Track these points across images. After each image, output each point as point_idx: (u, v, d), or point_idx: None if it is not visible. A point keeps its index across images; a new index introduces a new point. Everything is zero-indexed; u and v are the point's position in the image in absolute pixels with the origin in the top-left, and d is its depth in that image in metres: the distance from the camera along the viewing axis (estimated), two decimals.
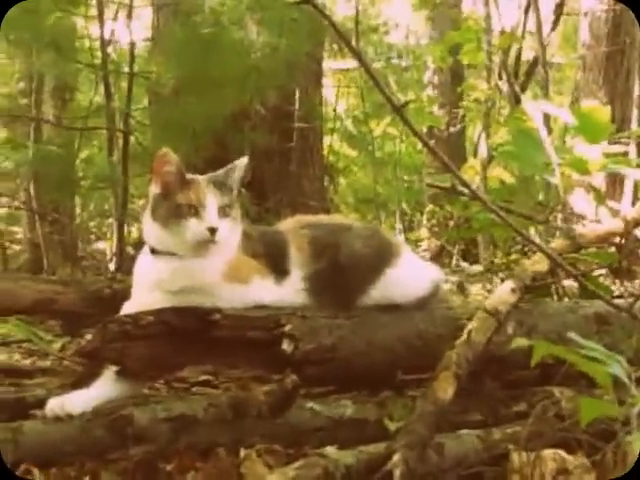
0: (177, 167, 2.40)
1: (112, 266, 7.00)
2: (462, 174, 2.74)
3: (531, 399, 2.59)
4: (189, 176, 2.43)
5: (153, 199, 2.46)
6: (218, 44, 4.25)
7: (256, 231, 2.57)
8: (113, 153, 5.75)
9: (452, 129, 10.17)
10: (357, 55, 2.30)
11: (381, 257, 2.58)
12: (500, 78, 8.82)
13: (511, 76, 9.06)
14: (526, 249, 8.58)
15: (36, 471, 2.06)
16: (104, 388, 2.36)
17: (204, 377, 3.08)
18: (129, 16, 5.38)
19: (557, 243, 2.96)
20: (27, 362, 3.51)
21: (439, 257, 8.34)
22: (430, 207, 9.84)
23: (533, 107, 3.61)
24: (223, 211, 2.37)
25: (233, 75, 4.33)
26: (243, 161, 2.50)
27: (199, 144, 4.13)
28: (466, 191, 2.84)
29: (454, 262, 7.58)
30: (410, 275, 2.63)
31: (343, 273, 2.52)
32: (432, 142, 9.91)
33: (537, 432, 2.37)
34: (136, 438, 2.24)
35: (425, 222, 9.74)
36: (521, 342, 1.57)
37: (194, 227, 2.34)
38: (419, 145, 10.63)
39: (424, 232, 9.73)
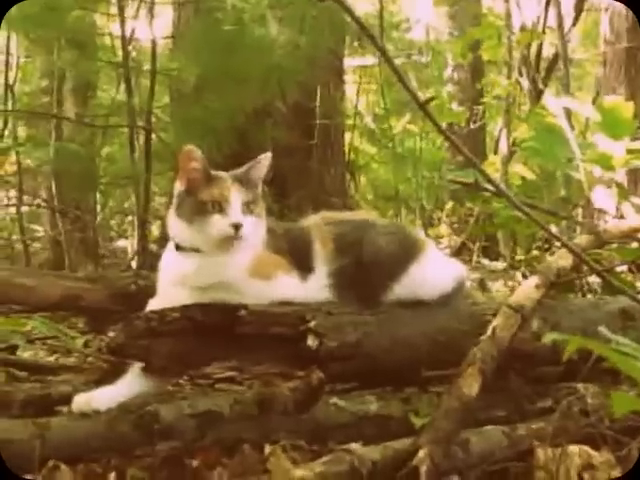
0: (202, 164, 2.41)
1: (134, 264, 7.03)
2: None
3: (556, 395, 2.59)
4: (214, 173, 2.44)
5: (178, 196, 2.47)
6: (240, 42, 4.25)
7: (281, 227, 2.58)
8: (135, 150, 5.76)
9: (472, 126, 10.12)
10: (382, 51, 2.30)
11: (405, 253, 2.58)
12: (521, 74, 8.79)
13: (532, 72, 9.06)
14: (546, 246, 8.58)
15: (64, 467, 2.06)
16: (130, 384, 2.37)
17: (228, 373, 3.08)
18: (150, 13, 5.39)
19: (581, 239, 2.95)
20: (51, 359, 3.52)
21: (459, 254, 8.32)
22: (450, 204, 9.82)
23: (556, 103, 3.59)
24: (247, 207, 2.38)
25: (255, 72, 4.34)
26: (267, 157, 2.50)
27: (221, 141, 4.13)
28: (490, 187, 2.83)
29: (475, 259, 7.56)
30: (434, 271, 2.63)
31: (367, 269, 2.52)
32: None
33: (562, 428, 2.37)
34: (162, 434, 2.24)
35: (445, 219, 9.71)
36: (552, 337, 1.56)
37: (218, 223, 2.35)
38: (439, 141, 10.62)
39: (444, 229, 9.71)
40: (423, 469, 2.05)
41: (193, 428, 2.28)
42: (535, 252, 8.71)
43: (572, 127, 4.82)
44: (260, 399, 2.39)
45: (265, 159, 2.49)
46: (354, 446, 2.17)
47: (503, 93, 8.38)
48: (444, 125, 10.35)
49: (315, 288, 2.50)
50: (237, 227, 2.33)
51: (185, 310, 2.35)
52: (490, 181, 2.42)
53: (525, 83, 8.87)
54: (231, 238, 2.35)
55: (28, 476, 2.07)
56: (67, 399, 2.68)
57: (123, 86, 5.96)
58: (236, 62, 4.20)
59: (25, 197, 7.64)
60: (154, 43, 5.11)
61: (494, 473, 2.27)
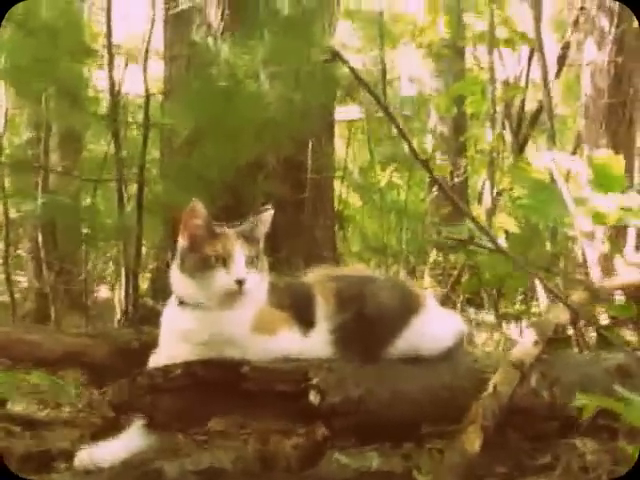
0: (205, 220, 2.44)
1: (119, 316, 7.01)
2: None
3: (555, 451, 2.60)
4: (217, 228, 2.46)
5: (181, 251, 2.49)
6: (234, 97, 4.30)
7: (282, 282, 2.59)
8: (123, 203, 5.77)
9: (456, 179, 10.19)
10: (385, 110, 2.34)
11: (406, 308, 2.60)
12: (504, 127, 8.88)
13: (514, 126, 9.16)
14: (531, 296, 8.60)
15: None
16: (132, 440, 2.36)
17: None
18: (144, 68, 5.42)
19: (576, 295, 2.97)
20: (42, 414, 3.50)
21: (444, 305, 8.33)
22: (434, 255, 9.85)
23: (548, 158, 3.64)
24: (250, 263, 2.40)
25: (249, 126, 4.37)
26: (269, 213, 2.52)
27: (213, 194, 4.16)
28: (486, 243, 2.87)
29: (459, 310, 7.57)
30: (435, 326, 2.65)
31: (369, 324, 2.54)
32: (435, 192, 10.00)
33: None
34: None
35: (428, 271, 9.73)
36: (582, 400, 1.59)
37: (222, 278, 2.37)
38: (422, 194, 10.69)
39: (427, 281, 9.73)
40: None
41: None
42: (519, 305, 8.76)
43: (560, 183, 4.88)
44: (262, 455, 2.39)
45: (267, 215, 2.51)
46: None
47: (487, 146, 8.44)
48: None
49: (317, 343, 2.51)
50: (241, 282, 2.35)
51: (188, 366, 2.36)
52: (491, 238, 2.45)
53: (508, 136, 8.96)
54: (235, 293, 2.37)
55: None
56: (66, 455, 2.68)
57: (106, 139, 6.01)
58: (231, 116, 4.24)
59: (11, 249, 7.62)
60: (148, 97, 5.14)
61: None
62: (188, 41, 5.33)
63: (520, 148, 9.42)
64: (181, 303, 2.47)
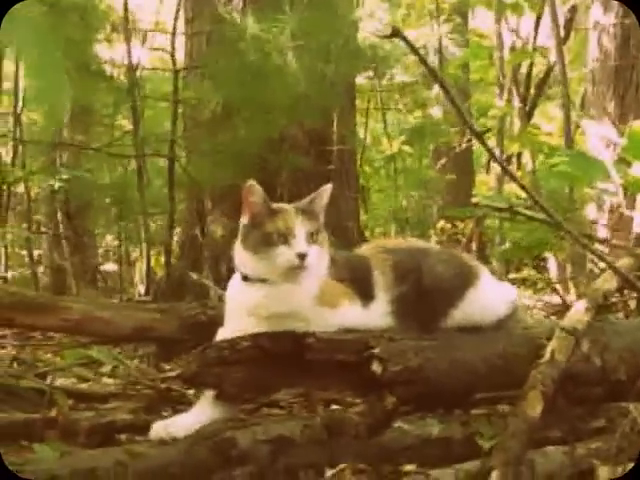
0: (262, 198, 2.49)
1: (142, 289, 7.09)
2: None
3: (607, 415, 2.67)
4: (277, 205, 2.51)
5: (243, 228, 2.54)
6: (262, 71, 4.33)
7: (341, 257, 2.65)
8: (143, 178, 5.82)
9: (462, 146, 10.24)
10: (441, 83, 2.38)
11: (462, 279, 2.65)
12: (511, 94, 8.92)
13: (522, 92, 9.20)
14: (537, 264, 8.68)
15: None
16: (204, 411, 2.44)
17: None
18: (172, 44, 5.46)
19: (622, 262, 3.03)
20: (96, 387, 3.58)
21: None
22: (441, 224, 9.93)
23: (593, 129, 3.69)
24: (311, 237, 2.45)
25: (279, 101, 4.41)
26: (328, 188, 2.57)
27: (243, 168, 4.20)
28: (524, 212, 2.93)
29: None
30: (490, 296, 2.70)
31: (427, 296, 2.59)
32: (443, 160, 10.03)
33: (619, 447, 2.46)
34: (238, 460, 2.30)
35: (435, 238, 9.80)
36: None
37: (284, 254, 2.42)
38: (425, 162, 10.75)
39: None
40: None
41: (267, 453, 2.34)
42: (526, 270, 8.84)
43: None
44: (329, 424, 2.46)
45: (326, 190, 2.56)
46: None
47: (498, 113, 8.49)
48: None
49: (376, 315, 2.57)
50: (302, 257, 2.40)
51: (255, 339, 2.41)
52: (546, 212, 2.50)
53: (515, 102, 8.99)
54: (296, 268, 2.42)
55: None
56: (129, 427, 2.75)
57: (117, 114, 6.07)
58: (259, 91, 4.28)
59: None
60: (176, 72, 5.18)
61: None
62: (210, 17, 5.36)
63: (528, 114, 9.48)
64: (245, 279, 2.52)
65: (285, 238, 2.43)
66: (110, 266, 9.64)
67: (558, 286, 5.41)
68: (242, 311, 2.52)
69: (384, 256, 2.66)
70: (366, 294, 2.57)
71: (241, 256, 2.53)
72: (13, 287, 4.07)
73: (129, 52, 5.89)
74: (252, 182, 2.50)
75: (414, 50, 2.32)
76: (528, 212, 2.95)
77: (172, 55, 5.50)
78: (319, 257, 2.47)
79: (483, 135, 2.40)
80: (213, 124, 5.13)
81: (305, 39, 4.29)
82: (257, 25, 4.32)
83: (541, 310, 5.63)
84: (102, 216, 7.52)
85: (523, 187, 2.45)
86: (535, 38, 9.68)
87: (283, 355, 2.41)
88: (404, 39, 2.25)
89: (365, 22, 4.91)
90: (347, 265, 2.61)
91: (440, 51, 8.32)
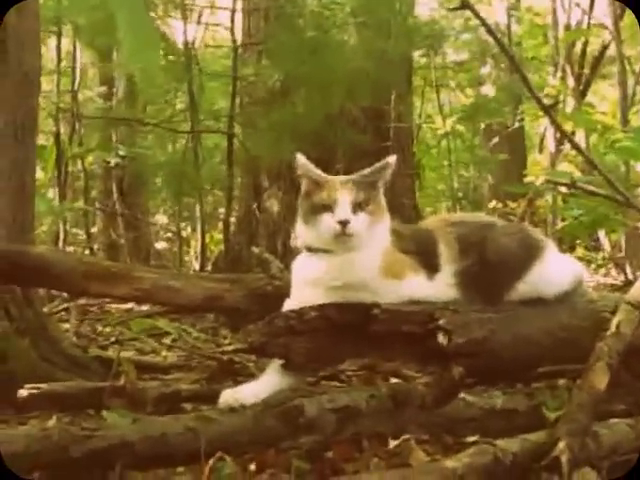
0: (308, 170, 2.52)
1: (196, 266, 7.15)
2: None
3: None
4: (323, 176, 2.53)
5: (300, 200, 2.58)
6: (322, 48, 4.34)
7: (406, 229, 2.66)
8: (198, 155, 5.88)
9: (516, 125, 10.18)
10: (512, 59, 2.39)
11: (527, 252, 2.66)
12: (564, 72, 8.86)
13: (577, 70, 9.13)
14: (593, 244, 8.62)
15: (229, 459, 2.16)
16: (271, 380, 2.47)
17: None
18: (232, 19, 5.48)
19: None
20: (159, 359, 3.63)
21: None
22: (493, 203, 9.89)
23: None
24: (358, 206, 2.46)
25: (338, 78, 4.42)
26: (391, 160, 2.58)
27: (298, 145, 4.22)
28: (589, 188, 2.92)
29: None
30: (554, 270, 2.71)
31: (491, 269, 2.60)
32: (495, 139, 9.97)
33: None
34: (305, 428, 2.33)
35: None
36: None
37: (327, 221, 2.44)
38: (477, 140, 10.71)
39: None
40: (564, 459, 2.14)
41: (334, 422, 2.37)
42: (581, 250, 8.80)
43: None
44: (394, 394, 2.48)
45: (389, 162, 2.57)
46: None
47: (552, 92, 8.43)
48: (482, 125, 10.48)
49: (441, 287, 2.58)
50: (344, 224, 2.42)
51: (322, 309, 2.44)
52: (610, 183, 2.50)
53: (570, 81, 8.93)
54: (340, 235, 2.43)
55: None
56: (195, 396, 2.80)
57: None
58: (319, 67, 4.29)
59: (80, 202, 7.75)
60: (235, 49, 5.21)
61: (620, 464, 2.35)
62: None
63: (582, 92, 9.40)
64: (309, 250, 2.55)
65: (329, 207, 2.45)
66: (161, 244, 9.73)
67: (618, 262, 5.38)
68: (307, 282, 2.55)
69: (449, 229, 2.67)
70: (431, 266, 2.58)
71: (298, 227, 2.58)
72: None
73: (185, 29, 5.93)
74: (298, 155, 2.53)
75: (483, 22, 2.33)
76: (592, 187, 2.93)
77: (232, 31, 5.53)
78: (368, 225, 2.48)
79: (552, 108, 2.39)
80: (271, 100, 5.16)
81: (364, 15, 4.29)
82: (316, 1, 4.34)
83: (595, 290, 5.61)
84: (157, 193, 7.59)
85: (591, 162, 2.45)
86: (590, 16, 9.61)
87: (349, 326, 2.44)
88: (473, 11, 2.26)
89: None
90: (412, 237, 2.63)
91: (508, 28, 8.28)
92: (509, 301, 2.65)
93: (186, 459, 2.24)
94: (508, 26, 7.71)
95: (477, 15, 2.24)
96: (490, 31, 2.28)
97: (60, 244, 6.44)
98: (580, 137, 8.50)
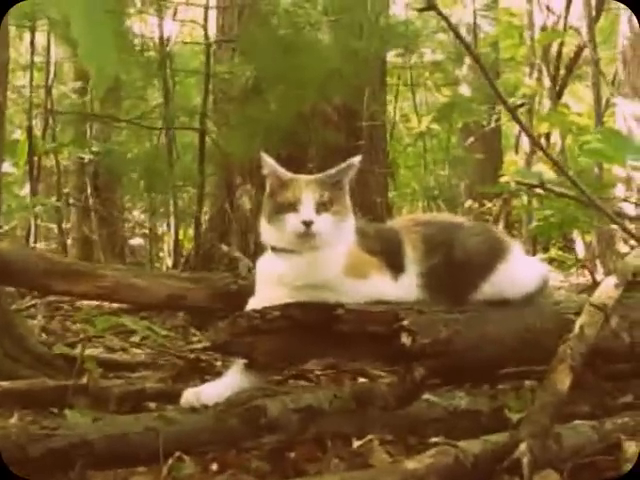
0: (273, 170, 2.52)
1: (169, 263, 7.13)
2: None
3: (636, 391, 2.68)
4: (288, 175, 2.53)
5: (265, 199, 2.58)
6: (295, 46, 4.33)
7: (372, 229, 2.66)
8: (172, 151, 5.86)
9: (492, 125, 10.20)
10: (477, 60, 2.38)
11: (493, 253, 2.66)
12: (540, 73, 8.87)
13: (552, 71, 9.14)
14: (565, 245, 8.65)
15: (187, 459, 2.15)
16: (234, 380, 2.47)
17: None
18: (205, 16, 5.47)
19: None
20: (126, 357, 3.62)
21: None
22: (469, 203, 9.91)
23: (626, 107, 3.68)
24: (323, 206, 2.46)
25: (312, 76, 4.41)
26: (356, 160, 2.58)
27: (270, 143, 4.23)
28: (556, 189, 2.93)
29: None
30: (520, 271, 2.71)
31: (457, 269, 2.60)
32: (470, 139, 9.99)
33: None
34: (268, 427, 2.33)
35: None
36: None
37: (291, 221, 2.44)
38: (454, 140, 10.72)
39: None
40: (525, 461, 2.13)
41: (296, 422, 2.37)
42: (553, 250, 8.82)
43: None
44: (358, 394, 2.48)
45: (353, 162, 2.57)
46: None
47: (528, 92, 8.44)
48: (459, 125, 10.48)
49: (406, 288, 2.58)
50: (308, 224, 2.42)
51: (285, 308, 2.43)
52: (580, 188, 2.50)
53: (545, 82, 8.94)
54: (304, 235, 2.43)
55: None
56: (159, 395, 2.79)
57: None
58: (291, 65, 4.29)
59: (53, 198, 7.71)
60: (208, 46, 5.19)
61: (583, 466, 2.35)
62: None
63: (558, 93, 9.42)
64: (273, 249, 2.55)
65: (294, 207, 2.45)
66: (136, 241, 9.68)
67: (587, 264, 5.40)
68: (271, 281, 2.55)
69: (415, 229, 2.67)
70: (396, 266, 2.58)
71: (262, 226, 2.57)
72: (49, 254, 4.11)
73: (160, 25, 5.91)
74: (263, 154, 2.53)
75: (448, 23, 2.33)
76: (559, 189, 2.94)
77: (205, 28, 5.51)
78: (332, 225, 2.47)
79: (516, 110, 2.39)
80: (244, 98, 5.15)
81: (337, 14, 4.29)
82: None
83: (568, 291, 5.63)
84: (131, 190, 7.56)
85: (555, 162, 2.46)
86: (566, 17, 9.62)
87: (313, 325, 2.43)
88: (439, 12, 2.26)
89: None
90: (377, 237, 2.63)
91: (474, 29, 8.31)
92: (474, 302, 2.65)
93: (147, 459, 2.22)
94: (474, 26, 7.71)
95: (442, 16, 2.24)
96: (455, 32, 2.29)
97: (32, 239, 6.40)
98: (557, 138, 8.54)
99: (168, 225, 8.01)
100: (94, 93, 6.73)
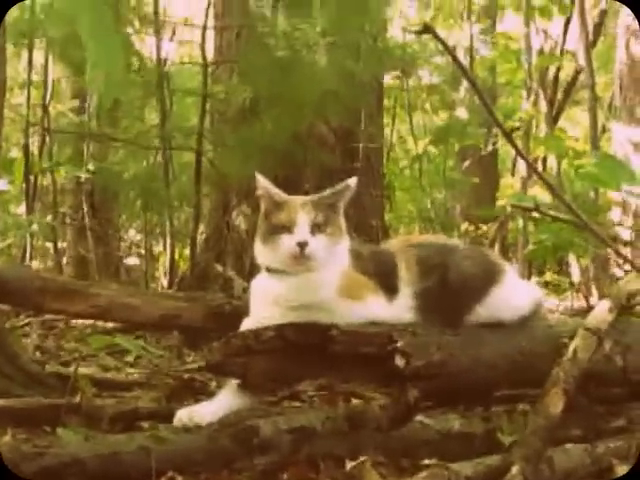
0: (268, 190, 2.53)
1: (164, 283, 7.13)
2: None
3: (628, 414, 2.69)
4: (283, 197, 2.54)
5: (259, 220, 2.58)
6: (292, 67, 4.35)
7: (367, 250, 2.67)
8: (169, 171, 5.87)
9: (488, 149, 10.22)
10: (472, 83, 2.40)
11: (487, 276, 2.66)
12: (537, 97, 8.90)
13: (550, 95, 9.18)
14: (560, 269, 8.67)
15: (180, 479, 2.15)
16: (227, 400, 2.47)
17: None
18: (203, 37, 5.49)
19: None
20: (120, 376, 3.61)
21: None
22: (465, 226, 9.92)
23: (618, 130, 3.69)
24: (318, 228, 2.47)
25: (307, 97, 4.43)
26: (352, 182, 2.58)
27: (267, 164, 4.24)
28: (551, 213, 2.94)
29: None
30: (514, 294, 2.72)
31: (451, 292, 2.60)
32: (467, 162, 10.01)
33: (639, 447, 2.48)
34: (260, 448, 2.32)
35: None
36: None
37: (285, 242, 2.45)
38: (451, 163, 10.73)
39: None
40: None
41: (289, 443, 2.37)
42: (549, 274, 8.83)
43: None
44: (350, 416, 2.48)
45: (349, 184, 2.58)
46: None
47: (525, 116, 8.47)
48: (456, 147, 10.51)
49: (400, 309, 2.58)
50: (302, 245, 2.42)
51: (279, 329, 2.43)
52: (573, 211, 2.51)
53: (542, 106, 8.98)
54: (298, 257, 2.44)
55: None
56: (152, 415, 2.79)
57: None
58: (288, 87, 4.31)
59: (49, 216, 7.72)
60: (205, 66, 5.21)
61: None
62: (240, 11, 5.39)
63: (555, 118, 9.46)
64: (268, 270, 2.55)
65: (288, 228, 2.46)
66: (132, 260, 9.68)
67: (582, 288, 5.41)
68: (266, 301, 2.55)
69: (410, 250, 2.67)
70: (390, 288, 2.58)
71: (256, 246, 2.58)
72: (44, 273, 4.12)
73: (158, 45, 5.93)
74: (258, 175, 2.54)
75: (445, 46, 2.34)
76: (554, 212, 2.95)
77: (202, 48, 5.53)
78: (327, 247, 2.48)
79: (512, 134, 2.40)
80: (240, 119, 5.17)
81: (335, 36, 4.32)
82: (287, 21, 4.35)
83: (563, 314, 5.63)
84: (127, 209, 7.57)
85: (550, 186, 2.46)
86: (563, 42, 9.68)
87: (307, 346, 2.43)
88: (435, 35, 2.27)
89: (395, 21, 4.95)
90: (372, 258, 2.63)
91: (471, 52, 8.34)
92: (468, 324, 2.65)
93: (139, 478, 2.21)
94: (471, 50, 7.75)
95: (439, 39, 2.25)
96: (452, 55, 2.29)
97: (27, 258, 6.40)
98: (553, 162, 8.57)
99: (164, 245, 8.03)
100: (94, 109, 6.76)
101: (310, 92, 4.40)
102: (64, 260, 8.10)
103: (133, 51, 5.93)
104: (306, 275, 2.48)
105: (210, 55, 6.02)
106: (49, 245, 8.35)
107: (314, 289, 2.49)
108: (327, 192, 2.57)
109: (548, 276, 8.63)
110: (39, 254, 8.73)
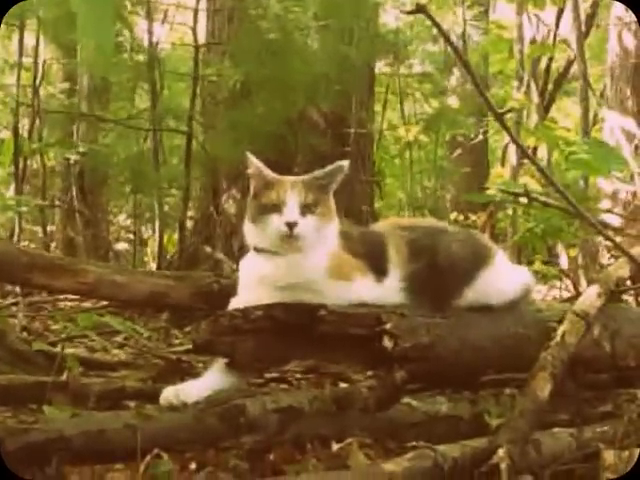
0: (258, 169, 2.52)
1: (153, 267, 7.11)
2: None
3: (615, 400, 2.69)
4: (273, 177, 2.53)
5: (249, 200, 2.57)
6: (284, 50, 4.34)
7: (357, 232, 2.66)
8: (158, 154, 5.85)
9: (479, 138, 10.22)
10: (466, 65, 2.38)
11: (476, 259, 2.66)
12: (529, 87, 8.89)
13: (541, 85, 9.17)
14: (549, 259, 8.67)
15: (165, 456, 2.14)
16: (214, 379, 2.46)
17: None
18: (195, 19, 5.46)
19: (636, 249, 3.03)
20: (108, 356, 3.61)
21: None
22: (454, 215, 9.92)
23: (614, 120, 3.69)
24: (307, 208, 2.45)
25: (301, 80, 4.42)
26: (344, 164, 2.57)
27: (261, 146, 4.23)
28: (541, 198, 2.93)
29: None
30: (503, 278, 2.72)
31: (440, 274, 2.60)
32: (458, 151, 10.01)
33: (626, 432, 2.48)
34: (247, 428, 2.31)
35: None
36: None
37: (274, 222, 2.44)
38: (441, 152, 10.73)
39: None
40: (503, 467, 2.13)
41: (276, 422, 2.35)
42: (537, 264, 8.83)
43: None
44: (338, 397, 2.47)
45: (341, 166, 2.57)
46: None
47: (517, 105, 8.44)
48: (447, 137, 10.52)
49: (389, 291, 2.57)
50: (291, 226, 2.41)
51: (268, 309, 2.42)
52: (564, 196, 2.51)
53: (533, 96, 8.97)
54: (287, 236, 2.43)
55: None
56: (139, 394, 2.78)
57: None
58: (280, 70, 4.29)
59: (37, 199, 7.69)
60: (197, 48, 5.19)
61: (562, 474, 2.35)
62: None
63: (546, 108, 9.45)
64: (256, 249, 2.54)
65: (278, 208, 2.44)
66: (121, 245, 9.66)
67: (570, 275, 5.42)
68: (254, 282, 2.54)
69: (400, 233, 2.67)
70: (379, 269, 2.58)
71: (246, 227, 2.57)
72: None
73: (150, 28, 5.90)
74: (248, 154, 2.53)
75: (438, 27, 2.32)
76: (544, 198, 2.94)
77: (194, 30, 5.50)
78: (316, 227, 2.47)
79: (503, 116, 2.40)
80: (231, 102, 5.15)
81: (327, 20, 4.31)
82: (280, 4, 4.34)
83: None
84: (116, 191, 7.55)
85: (541, 170, 2.46)
86: (556, 32, 9.65)
87: (295, 326, 2.42)
88: (428, 15, 2.25)
89: (388, 6, 4.93)
90: (361, 240, 2.62)
91: (464, 38, 8.32)
92: (457, 307, 2.65)
93: (124, 456, 2.20)
94: (463, 35, 7.73)
95: (432, 19, 2.24)
96: (445, 36, 2.28)
97: (15, 241, 6.37)
98: (543, 152, 8.57)
99: (153, 229, 8.00)
100: (85, 90, 6.74)
101: (302, 75, 4.39)
102: (52, 243, 8.07)
103: (126, 24, 5.90)
104: (295, 255, 2.47)
105: (202, 38, 6.00)
106: (37, 229, 8.33)
107: (302, 270, 2.48)
108: (318, 172, 2.56)
109: (537, 265, 8.62)
110: (27, 237, 8.69)
